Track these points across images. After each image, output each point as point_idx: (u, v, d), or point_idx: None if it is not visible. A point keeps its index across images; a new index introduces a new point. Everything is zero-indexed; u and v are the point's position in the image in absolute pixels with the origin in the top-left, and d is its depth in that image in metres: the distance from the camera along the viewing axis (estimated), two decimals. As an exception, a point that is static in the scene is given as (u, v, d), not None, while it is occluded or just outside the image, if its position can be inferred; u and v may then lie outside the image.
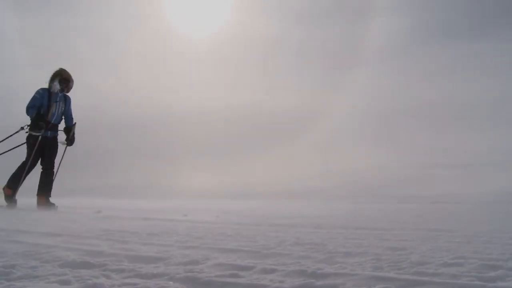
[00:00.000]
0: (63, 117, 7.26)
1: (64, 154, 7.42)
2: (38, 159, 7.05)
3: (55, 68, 7.15)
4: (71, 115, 7.37)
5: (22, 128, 7.09)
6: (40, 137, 6.92)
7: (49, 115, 7.08)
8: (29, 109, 7.01)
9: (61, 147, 7.29)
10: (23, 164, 6.96)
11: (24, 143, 7.13)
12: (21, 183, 6.94)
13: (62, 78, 7.05)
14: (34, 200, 6.90)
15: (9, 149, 7.24)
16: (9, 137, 7.14)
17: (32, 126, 6.98)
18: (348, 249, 2.27)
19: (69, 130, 7.32)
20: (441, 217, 4.33)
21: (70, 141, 7.30)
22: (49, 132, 7.07)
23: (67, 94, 7.23)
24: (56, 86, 7.02)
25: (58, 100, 7.14)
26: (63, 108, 7.21)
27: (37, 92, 7.06)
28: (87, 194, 10.23)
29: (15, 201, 6.78)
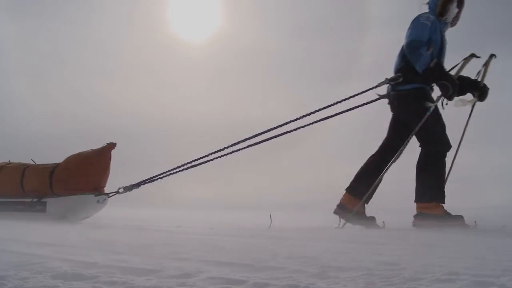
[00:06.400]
0: None
1: (470, 119, 4.59)
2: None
3: None
4: None
5: (388, 81, 4.34)
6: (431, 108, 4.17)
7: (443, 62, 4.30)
8: (417, 49, 4.07)
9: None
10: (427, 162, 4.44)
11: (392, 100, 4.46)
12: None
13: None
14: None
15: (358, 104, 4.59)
16: (366, 91, 4.57)
17: (415, 79, 4.18)
18: (341, 264, 2.27)
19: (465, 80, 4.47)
20: (433, 231, 4.34)
21: (483, 91, 4.49)
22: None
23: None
24: (454, 11, 4.31)
25: (445, 37, 4.38)
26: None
27: (427, 19, 4.19)
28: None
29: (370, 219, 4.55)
